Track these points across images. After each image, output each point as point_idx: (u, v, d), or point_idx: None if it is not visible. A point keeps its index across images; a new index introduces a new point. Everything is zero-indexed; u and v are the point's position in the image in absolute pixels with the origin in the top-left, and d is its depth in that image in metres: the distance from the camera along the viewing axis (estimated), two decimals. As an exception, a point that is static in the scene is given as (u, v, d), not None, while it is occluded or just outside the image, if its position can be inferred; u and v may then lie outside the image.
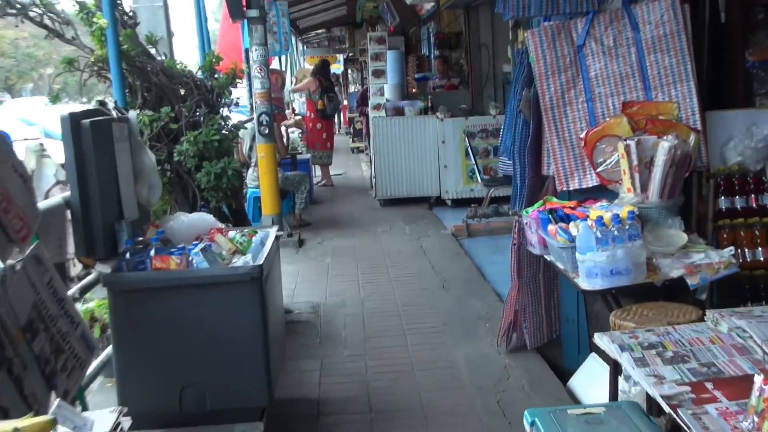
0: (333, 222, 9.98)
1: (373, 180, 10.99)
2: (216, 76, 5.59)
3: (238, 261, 3.79)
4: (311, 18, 22.97)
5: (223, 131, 5.37)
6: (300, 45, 26.84)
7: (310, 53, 28.60)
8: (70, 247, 3.67)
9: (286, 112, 13.86)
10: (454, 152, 10.55)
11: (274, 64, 15.63)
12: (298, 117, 14.74)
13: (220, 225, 4.18)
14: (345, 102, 22.63)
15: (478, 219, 8.95)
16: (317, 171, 13.91)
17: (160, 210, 5.35)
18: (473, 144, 10.25)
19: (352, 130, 18.84)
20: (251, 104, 11.86)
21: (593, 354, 4.42)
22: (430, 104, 10.77)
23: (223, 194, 5.20)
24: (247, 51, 11.68)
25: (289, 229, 8.71)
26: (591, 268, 3.78)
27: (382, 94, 11.29)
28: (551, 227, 4.17)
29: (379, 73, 11.30)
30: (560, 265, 4.10)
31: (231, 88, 5.64)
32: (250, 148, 9.21)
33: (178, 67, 5.55)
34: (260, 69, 8.43)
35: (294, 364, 4.99)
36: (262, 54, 8.43)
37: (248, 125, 9.38)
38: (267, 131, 8.47)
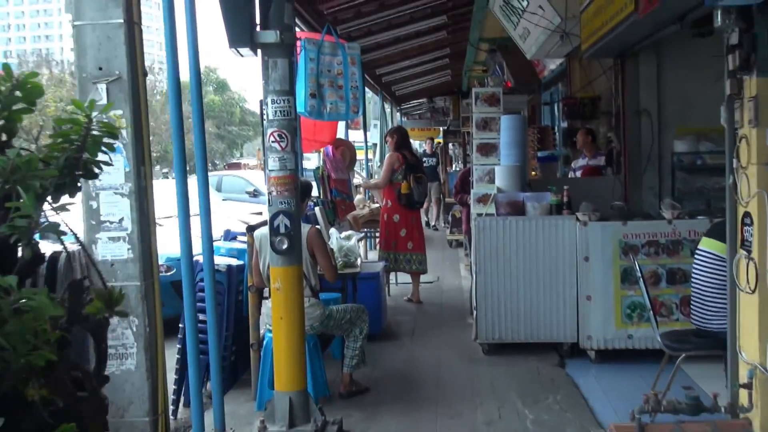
0: (404, 388, 6.15)
1: (475, 311, 7.13)
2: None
3: None
4: (409, 84, 19.72)
5: None
6: (398, 115, 23.58)
7: (409, 125, 25.40)
8: None
9: (356, 199, 10.25)
10: (604, 275, 6.63)
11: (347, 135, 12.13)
12: (375, 206, 11.09)
13: None
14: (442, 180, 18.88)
15: (654, 414, 4.95)
16: (398, 277, 10.18)
17: None
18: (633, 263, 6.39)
19: (450, 219, 15.07)
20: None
21: None
22: (566, 198, 6.90)
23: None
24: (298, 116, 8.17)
25: (322, 417, 4.91)
26: None
27: (491, 180, 7.51)
28: None
29: (487, 149, 7.55)
30: None
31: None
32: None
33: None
34: (279, 136, 4.82)
35: None
36: (283, 109, 4.84)
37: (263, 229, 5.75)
38: (286, 245, 4.81)
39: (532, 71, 13.44)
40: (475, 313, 7.05)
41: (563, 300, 6.75)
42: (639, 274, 5.53)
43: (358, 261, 6.57)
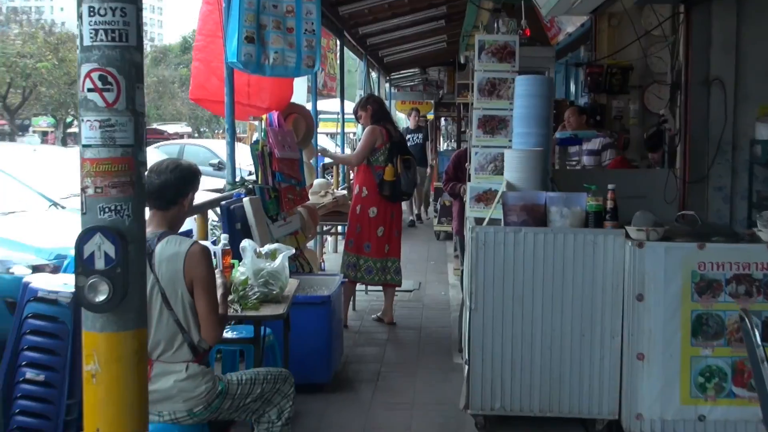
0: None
1: (466, 365, 4.82)
2: None
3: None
4: (399, 50, 17.26)
5: None
6: (387, 86, 21.21)
7: (399, 98, 23.05)
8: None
9: (316, 183, 7.92)
10: (666, 323, 4.33)
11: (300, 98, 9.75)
12: (340, 193, 8.74)
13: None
14: (432, 162, 16.34)
15: None
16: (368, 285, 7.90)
17: None
18: (711, 307, 4.18)
19: (439, 207, 12.73)
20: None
21: None
22: (610, 203, 4.57)
23: None
24: (230, 68, 5.85)
25: None
26: None
27: (498, 170, 5.20)
28: None
29: (493, 125, 5.24)
30: None
31: None
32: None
33: None
34: (101, 79, 2.45)
35: None
36: (111, 28, 2.46)
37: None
38: (106, 296, 2.46)
39: (543, 35, 11.14)
40: (467, 368, 4.74)
41: (601, 357, 4.46)
42: (749, 326, 3.18)
43: (288, 290, 4.20)
